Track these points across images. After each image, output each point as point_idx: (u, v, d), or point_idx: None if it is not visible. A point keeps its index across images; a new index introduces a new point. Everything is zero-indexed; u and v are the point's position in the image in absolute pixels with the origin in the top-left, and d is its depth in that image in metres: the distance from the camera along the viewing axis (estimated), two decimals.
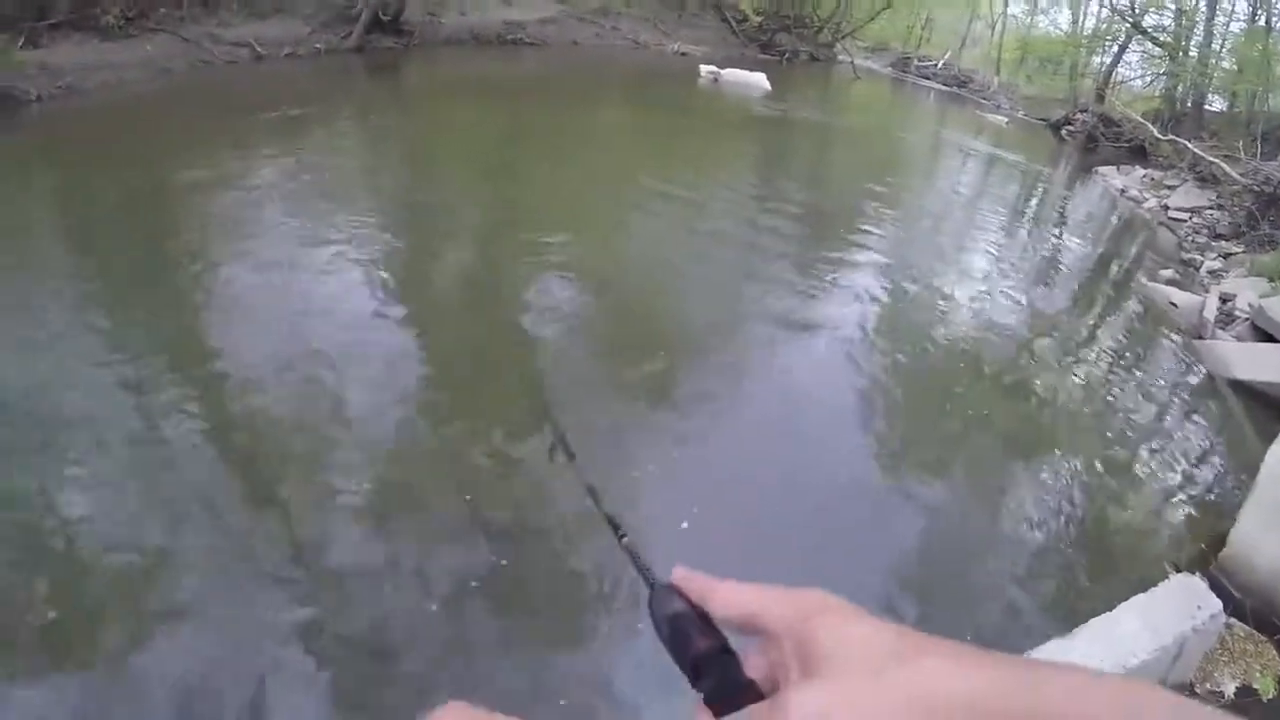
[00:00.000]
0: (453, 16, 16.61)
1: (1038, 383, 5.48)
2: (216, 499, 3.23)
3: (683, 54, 19.52)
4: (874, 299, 6.22)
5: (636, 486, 3.68)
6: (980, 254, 8.25)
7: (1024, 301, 6.98)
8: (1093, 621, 2.72)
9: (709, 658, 0.42)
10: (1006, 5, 30.45)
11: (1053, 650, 2.54)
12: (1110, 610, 2.76)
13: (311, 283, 5.11)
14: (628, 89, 15.68)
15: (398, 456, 3.67)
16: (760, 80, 16.26)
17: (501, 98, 12.53)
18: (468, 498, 3.43)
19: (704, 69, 16.61)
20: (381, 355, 4.40)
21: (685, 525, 3.44)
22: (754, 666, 0.41)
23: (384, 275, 5.38)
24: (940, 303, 6.44)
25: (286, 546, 3.05)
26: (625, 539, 0.58)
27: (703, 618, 0.43)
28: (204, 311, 4.71)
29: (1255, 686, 2.97)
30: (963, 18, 30.95)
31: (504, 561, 3.13)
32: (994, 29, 30.70)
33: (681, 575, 0.46)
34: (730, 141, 12.29)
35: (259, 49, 12.12)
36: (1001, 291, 7.05)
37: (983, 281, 7.27)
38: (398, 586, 2.94)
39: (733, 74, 16.49)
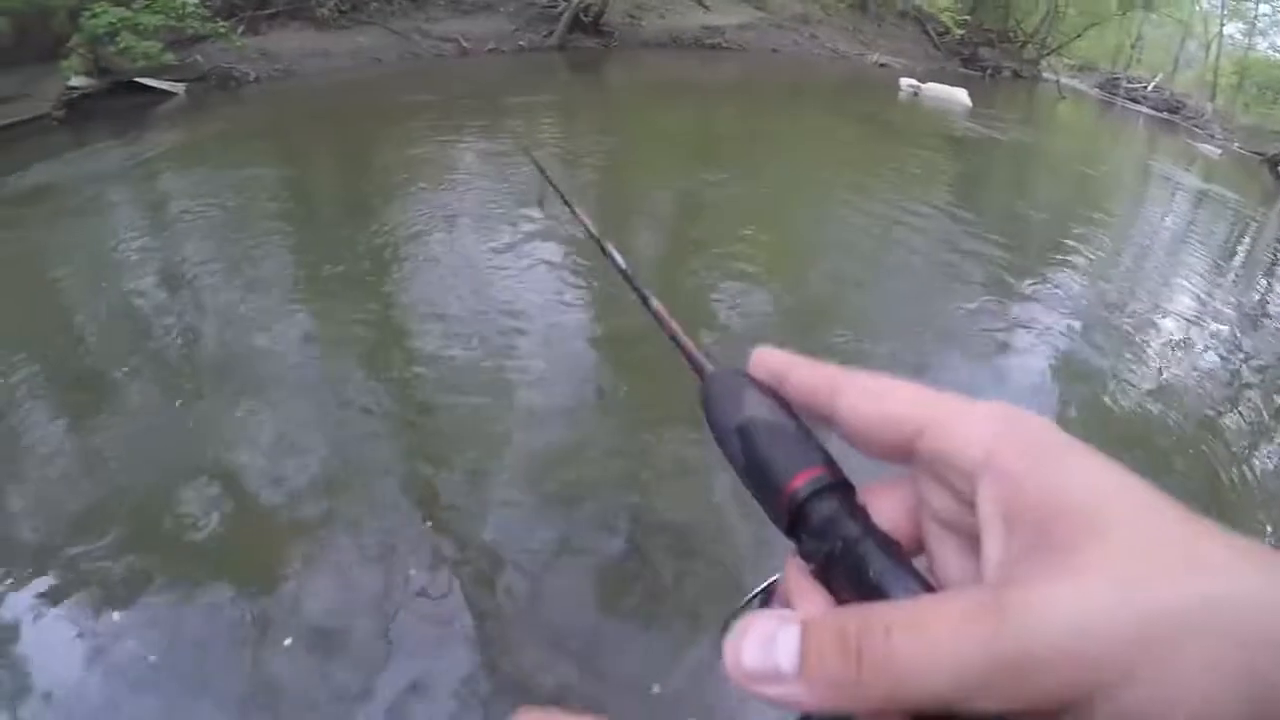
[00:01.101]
0: (652, 20, 17.31)
1: (1235, 442, 5.10)
2: (385, 448, 3.46)
3: (882, 65, 19.47)
4: (1071, 329, 6.20)
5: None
6: (1184, 298, 7.82)
7: (1227, 353, 6.58)
8: None
9: (818, 496, 0.27)
10: (1222, 25, 28.21)
11: None
12: None
13: (506, 258, 5.40)
14: (827, 98, 15.81)
15: (571, 428, 3.79)
16: (962, 96, 16.08)
17: (701, 100, 12.67)
18: (636, 487, 3.41)
19: (904, 82, 16.62)
20: (570, 329, 4.68)
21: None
22: (878, 509, 0.28)
23: (577, 255, 5.66)
24: (1139, 342, 6.30)
25: (445, 500, 3.19)
26: (652, 304, 0.46)
27: (796, 426, 0.29)
28: (399, 272, 5.09)
29: None
30: (1174, 37, 29.00)
31: (632, 560, 3.20)
32: (1208, 50, 28.55)
33: (769, 357, 0.31)
34: (931, 157, 12.20)
35: (464, 44, 12.98)
36: (1203, 340, 6.72)
37: (1184, 326, 6.96)
38: (547, 565, 2.97)
39: (933, 89, 16.40)
